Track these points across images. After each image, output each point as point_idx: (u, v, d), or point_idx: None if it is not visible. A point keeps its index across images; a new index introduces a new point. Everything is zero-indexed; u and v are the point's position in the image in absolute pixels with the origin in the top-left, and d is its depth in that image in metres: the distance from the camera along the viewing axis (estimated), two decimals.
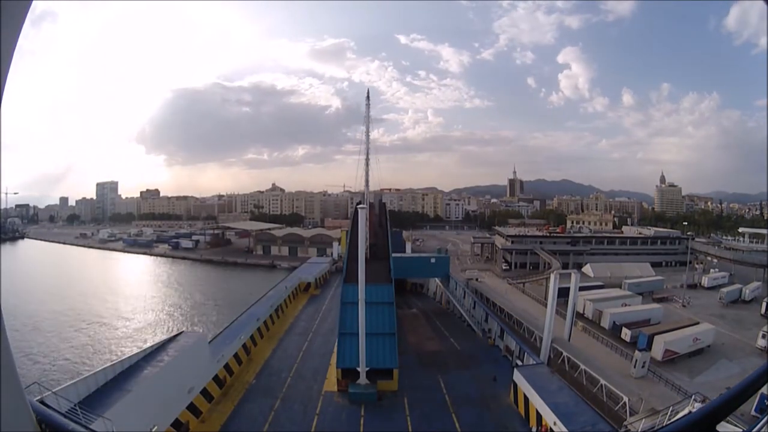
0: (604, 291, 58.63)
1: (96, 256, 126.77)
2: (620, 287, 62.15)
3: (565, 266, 70.82)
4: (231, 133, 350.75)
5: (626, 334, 43.34)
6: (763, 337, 41.85)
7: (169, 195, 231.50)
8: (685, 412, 16.35)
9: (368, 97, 46.69)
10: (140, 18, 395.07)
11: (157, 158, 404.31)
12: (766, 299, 54.02)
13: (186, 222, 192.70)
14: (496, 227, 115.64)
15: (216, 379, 25.54)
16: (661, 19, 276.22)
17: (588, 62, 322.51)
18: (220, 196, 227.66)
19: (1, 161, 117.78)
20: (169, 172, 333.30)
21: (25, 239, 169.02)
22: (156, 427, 18.44)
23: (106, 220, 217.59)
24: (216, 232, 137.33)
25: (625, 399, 24.85)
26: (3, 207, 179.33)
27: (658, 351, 37.95)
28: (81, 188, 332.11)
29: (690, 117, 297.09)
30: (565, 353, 31.61)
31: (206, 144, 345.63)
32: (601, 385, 26.79)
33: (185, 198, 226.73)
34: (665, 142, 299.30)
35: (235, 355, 28.99)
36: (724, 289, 61.46)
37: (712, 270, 76.10)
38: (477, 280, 65.87)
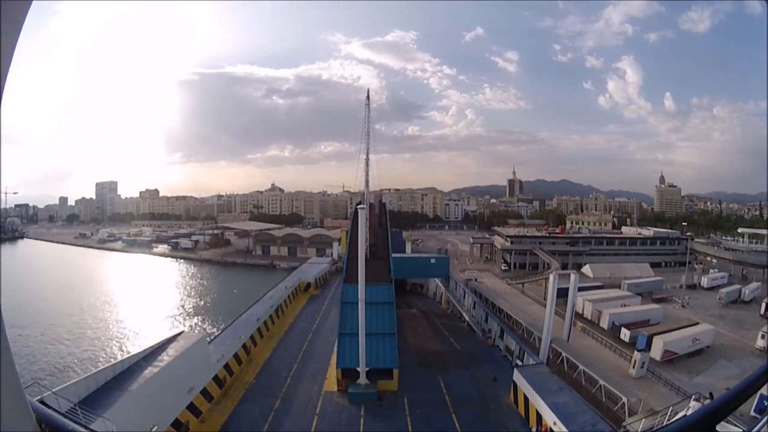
0: (603, 291, 58.09)
1: (95, 256, 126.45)
2: (619, 288, 61.76)
3: (564, 267, 70.50)
4: (259, 128, 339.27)
5: (625, 334, 43.06)
6: (762, 337, 41.76)
7: (169, 195, 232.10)
8: (685, 412, 16.37)
9: (368, 97, 46.70)
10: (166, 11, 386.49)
11: (172, 157, 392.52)
12: (765, 299, 54.00)
13: (185, 222, 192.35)
14: (496, 227, 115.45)
15: (216, 379, 25.53)
16: (721, 34, 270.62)
17: (639, 70, 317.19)
18: (219, 196, 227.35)
19: (1, 160, 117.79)
20: (184, 170, 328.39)
21: (25, 239, 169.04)
22: (156, 427, 18.45)
23: (106, 220, 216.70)
24: (215, 232, 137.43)
25: (624, 399, 24.95)
26: (3, 207, 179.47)
27: (657, 351, 37.74)
28: (84, 188, 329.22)
29: (722, 124, 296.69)
30: (564, 353, 31.69)
31: (230, 140, 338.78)
32: (600, 385, 26.79)
33: (184, 198, 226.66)
34: (694, 147, 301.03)
35: (235, 355, 28.99)
36: (724, 290, 60.97)
37: (711, 270, 75.35)
38: (476, 280, 65.90)
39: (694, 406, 16.69)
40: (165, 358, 22.04)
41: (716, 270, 75.08)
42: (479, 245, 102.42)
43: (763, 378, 2.81)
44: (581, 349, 35.14)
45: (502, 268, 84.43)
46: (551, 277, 33.91)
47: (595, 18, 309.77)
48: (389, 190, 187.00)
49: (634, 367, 34.81)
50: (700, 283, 68.67)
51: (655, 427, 16.69)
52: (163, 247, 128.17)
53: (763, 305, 52.59)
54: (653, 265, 78.63)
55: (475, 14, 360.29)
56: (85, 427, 12.00)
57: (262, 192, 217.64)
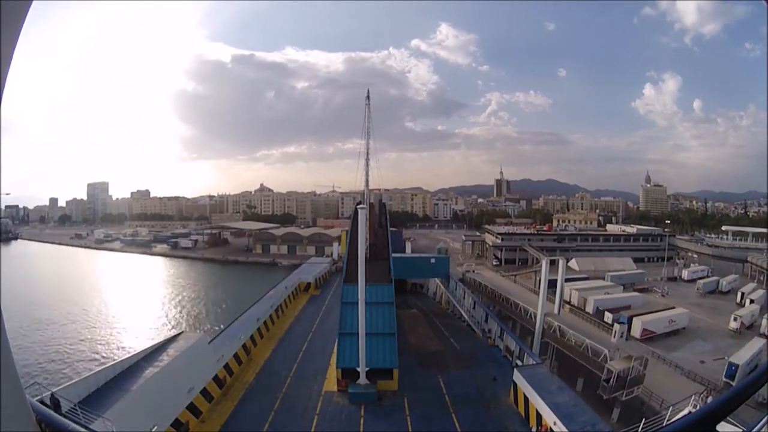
0: (588, 282, 61.26)
1: (95, 256, 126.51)
2: (603, 279, 64.16)
3: (552, 262, 73.98)
4: (289, 122, 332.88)
5: (609, 317, 45.52)
6: (735, 320, 44.79)
7: (161, 196, 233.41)
8: (685, 412, 16.37)
9: (368, 97, 46.60)
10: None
11: (179, 155, 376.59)
12: (741, 290, 57.29)
13: (179, 222, 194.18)
14: (486, 226, 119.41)
15: (216, 379, 25.52)
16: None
17: (679, 80, 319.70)
18: (210, 197, 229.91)
19: (1, 159, 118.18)
20: (189, 169, 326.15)
21: (19, 240, 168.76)
22: (156, 427, 18.45)
23: (98, 221, 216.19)
24: (213, 231, 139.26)
25: (606, 351, 29.10)
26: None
27: (636, 330, 40.90)
28: (73, 189, 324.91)
29: (740, 131, 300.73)
30: (556, 323, 34.51)
31: (248, 135, 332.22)
32: (587, 344, 30.97)
33: (176, 198, 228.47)
34: (707, 151, 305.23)
35: (235, 355, 28.98)
36: (701, 281, 64.04)
37: (692, 264, 79.29)
38: (473, 272, 69.54)
39: (694, 405, 16.72)
40: (165, 358, 22.06)
41: (697, 264, 79.39)
42: (471, 242, 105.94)
43: (763, 378, 2.81)
44: (571, 323, 38.89)
45: (494, 263, 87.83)
46: (543, 262, 38.19)
47: (662, 32, 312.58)
48: (378, 190, 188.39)
49: (614, 337, 38.79)
50: (680, 276, 72.02)
51: (656, 426, 16.65)
52: (162, 247, 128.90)
53: (739, 294, 56.19)
54: (637, 261, 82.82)
55: (541, 16, 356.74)
56: (85, 427, 12.00)
57: (252, 192, 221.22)
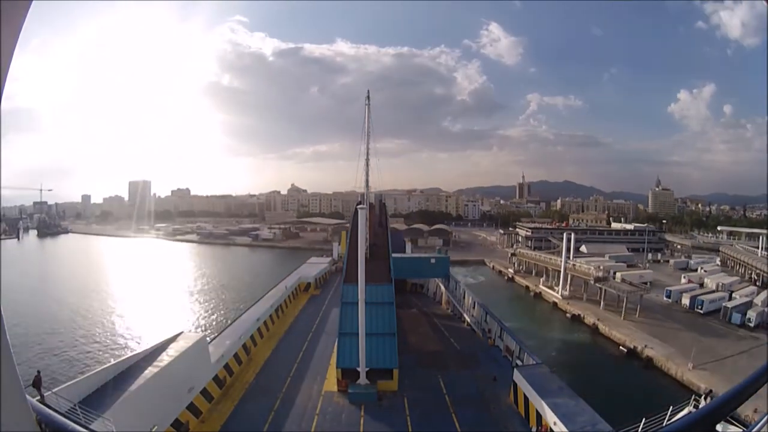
0: (592, 257, 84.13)
1: (191, 249, 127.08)
2: (603, 257, 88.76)
3: (567, 249, 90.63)
4: (328, 118, 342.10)
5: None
6: (684, 277, 72.36)
7: (204, 194, 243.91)
8: (685, 412, 16.37)
9: (368, 97, 46.59)
10: None
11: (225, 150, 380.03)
12: (702, 266, 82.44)
13: (232, 219, 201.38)
14: (517, 223, 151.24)
15: (216, 379, 25.52)
16: None
17: (713, 87, 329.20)
18: (252, 195, 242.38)
19: (1, 157, 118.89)
20: (228, 166, 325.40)
21: (69, 234, 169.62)
22: (156, 427, 18.46)
23: (143, 218, 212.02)
24: (286, 226, 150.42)
25: (592, 268, 58.49)
26: (21, 204, 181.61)
27: (618, 280, 62.35)
28: (117, 186, 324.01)
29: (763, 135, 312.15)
30: (572, 262, 63.96)
31: (289, 131, 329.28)
32: (586, 268, 60.81)
33: (225, 197, 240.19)
34: (731, 153, 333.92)
35: (235, 355, 28.98)
36: (673, 260, 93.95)
37: (675, 254, 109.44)
38: (520, 250, 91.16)
39: (694, 406, 16.72)
40: (165, 358, 22.04)
41: (679, 254, 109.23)
42: (506, 236, 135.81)
43: (762, 378, 2.81)
44: None
45: None
46: (565, 235, 66.79)
47: (706, 42, 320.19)
48: (415, 191, 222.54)
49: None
50: (662, 260, 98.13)
51: (655, 426, 16.63)
52: (242, 239, 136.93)
53: (699, 268, 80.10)
54: (633, 251, 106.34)
55: (589, 21, 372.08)
56: (85, 427, 11.99)
57: (280, 192, 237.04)
